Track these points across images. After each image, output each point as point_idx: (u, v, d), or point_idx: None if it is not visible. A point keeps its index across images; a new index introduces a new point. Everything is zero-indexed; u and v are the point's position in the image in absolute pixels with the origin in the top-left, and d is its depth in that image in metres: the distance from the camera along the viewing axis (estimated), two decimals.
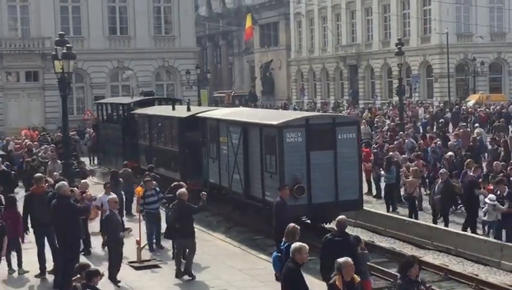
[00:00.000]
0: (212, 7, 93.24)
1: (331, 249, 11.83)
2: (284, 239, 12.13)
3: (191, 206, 15.63)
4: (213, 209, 22.89)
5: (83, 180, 18.81)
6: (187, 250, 15.62)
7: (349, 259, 9.74)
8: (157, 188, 18.27)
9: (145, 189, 17.95)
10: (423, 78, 62.73)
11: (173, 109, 27.93)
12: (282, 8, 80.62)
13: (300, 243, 10.37)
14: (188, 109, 26.38)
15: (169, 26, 56.19)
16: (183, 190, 16.05)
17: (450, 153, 24.26)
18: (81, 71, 51.44)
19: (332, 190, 18.53)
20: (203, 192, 16.59)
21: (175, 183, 18.28)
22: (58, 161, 26.51)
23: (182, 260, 15.59)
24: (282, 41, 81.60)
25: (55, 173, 21.94)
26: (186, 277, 15.49)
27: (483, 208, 18.60)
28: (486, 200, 18.14)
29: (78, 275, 10.38)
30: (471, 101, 52.08)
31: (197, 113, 24.91)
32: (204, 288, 14.91)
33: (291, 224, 12.29)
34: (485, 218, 18.27)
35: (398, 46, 37.67)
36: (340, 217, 12.59)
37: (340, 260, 9.72)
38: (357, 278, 9.88)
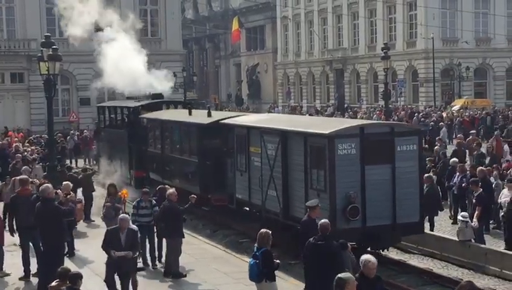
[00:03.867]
0: (199, 10, 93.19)
1: (314, 253, 11.76)
2: (256, 245, 12.00)
3: (178, 207, 15.91)
4: (237, 227, 21.49)
5: (65, 182, 18.73)
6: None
7: (352, 276, 8.79)
8: (154, 201, 16.99)
9: (139, 200, 17.06)
10: (409, 83, 62.95)
11: (190, 113, 25.14)
12: (269, 11, 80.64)
13: (369, 256, 9.61)
14: (209, 114, 23.83)
15: (155, 29, 56.06)
16: (172, 190, 16.34)
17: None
18: (66, 73, 51.21)
19: (390, 211, 16.14)
20: (192, 195, 16.65)
21: (160, 186, 18.26)
22: (40, 164, 26.31)
23: None
24: (269, 44, 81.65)
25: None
26: (170, 278, 15.60)
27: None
28: (459, 217, 17.96)
29: (58, 280, 10.32)
30: (456, 106, 52.37)
31: (221, 119, 22.21)
32: None
33: (263, 229, 12.11)
34: (460, 238, 17.40)
35: (384, 51, 37.83)
36: (322, 221, 12.26)
37: (345, 276, 8.68)
38: None
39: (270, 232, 12.04)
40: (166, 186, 18.11)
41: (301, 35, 76.47)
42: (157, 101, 29.49)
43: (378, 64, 55.07)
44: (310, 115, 54.08)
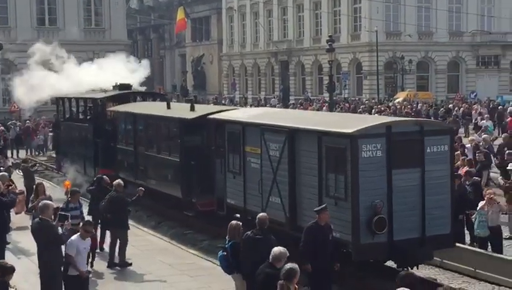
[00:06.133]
0: (144, 0, 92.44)
1: (251, 247, 11.68)
2: (227, 237, 12.00)
3: (125, 198, 15.85)
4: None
5: (1, 173, 18.40)
6: (118, 241, 15.81)
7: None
8: (81, 202, 15.78)
9: (67, 201, 15.64)
10: (353, 75, 63.66)
11: (168, 107, 22.49)
12: (215, 2, 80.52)
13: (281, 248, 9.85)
14: (192, 108, 21.00)
15: (99, 18, 55.50)
16: (120, 181, 16.23)
17: None
18: (8, 62, 50.33)
19: (418, 222, 14.16)
20: (140, 187, 16.57)
21: (98, 176, 18.02)
22: None
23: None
24: (214, 35, 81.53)
25: None
26: (117, 269, 15.53)
27: None
28: None
29: None
30: (399, 98, 53.11)
31: (208, 114, 19.52)
32: (134, 283, 14.84)
33: (234, 221, 12.04)
34: None
35: (329, 43, 38.09)
36: (260, 214, 12.13)
37: (295, 266, 8.65)
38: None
39: (241, 223, 11.97)
40: (104, 176, 17.75)
41: (246, 27, 76.55)
42: (124, 92, 26.82)
43: (323, 56, 55.52)
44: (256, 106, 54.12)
